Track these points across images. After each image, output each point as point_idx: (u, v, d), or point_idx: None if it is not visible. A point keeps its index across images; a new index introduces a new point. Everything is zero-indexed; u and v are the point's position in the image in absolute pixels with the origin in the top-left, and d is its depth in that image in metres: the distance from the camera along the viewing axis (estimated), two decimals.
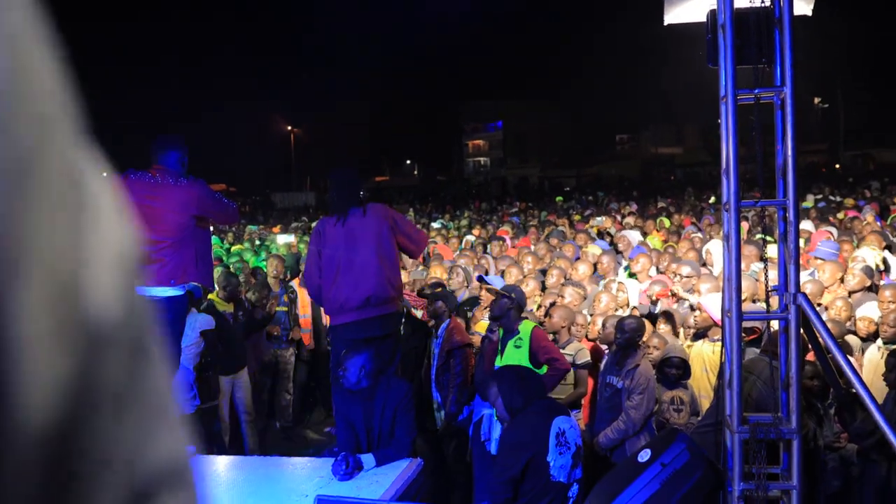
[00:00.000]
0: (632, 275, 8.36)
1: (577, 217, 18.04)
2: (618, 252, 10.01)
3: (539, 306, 7.33)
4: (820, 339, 4.17)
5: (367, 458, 4.67)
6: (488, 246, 11.73)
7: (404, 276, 7.09)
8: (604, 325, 5.99)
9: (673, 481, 3.95)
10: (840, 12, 34.19)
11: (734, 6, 4.06)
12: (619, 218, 15.67)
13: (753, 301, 5.87)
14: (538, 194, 39.67)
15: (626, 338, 5.48)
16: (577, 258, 9.47)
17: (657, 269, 8.69)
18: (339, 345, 5.26)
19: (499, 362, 5.62)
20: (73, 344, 0.36)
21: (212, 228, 5.86)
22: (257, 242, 15.76)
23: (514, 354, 5.59)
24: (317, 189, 50.35)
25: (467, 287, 7.57)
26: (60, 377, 0.35)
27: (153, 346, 0.42)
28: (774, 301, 4.62)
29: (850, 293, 6.69)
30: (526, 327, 5.70)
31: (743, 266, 5.00)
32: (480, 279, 7.01)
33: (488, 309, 6.32)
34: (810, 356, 4.69)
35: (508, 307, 5.74)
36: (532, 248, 10.86)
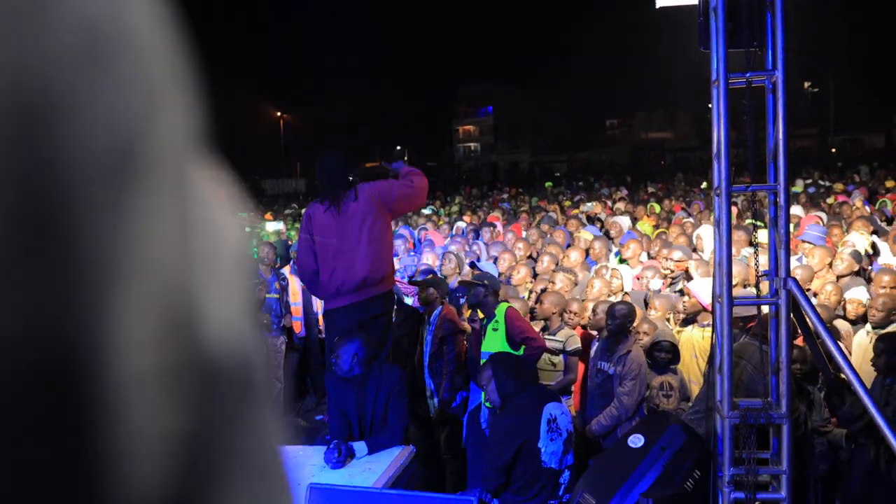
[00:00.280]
0: (622, 260, 8.38)
1: (567, 203, 18.04)
2: (609, 238, 10.02)
3: (530, 292, 7.33)
4: (810, 324, 4.19)
5: (360, 446, 4.67)
6: (480, 232, 11.73)
7: (395, 263, 7.07)
8: (594, 310, 6.00)
9: (674, 463, 3.99)
10: None
11: None
12: (609, 203, 15.67)
13: (745, 286, 5.89)
14: (529, 180, 39.63)
15: (617, 324, 5.49)
16: (569, 245, 9.48)
17: (648, 254, 8.71)
18: (334, 331, 5.25)
19: (483, 348, 5.68)
20: (187, 388, 0.29)
21: None
22: (247, 229, 15.69)
23: (493, 338, 5.67)
24: (307, 176, 50.22)
25: (459, 273, 7.56)
26: (171, 434, 0.28)
27: (266, 389, 0.34)
28: (764, 286, 4.63)
29: (839, 277, 6.72)
30: (500, 310, 5.78)
31: (733, 251, 5.01)
32: (473, 265, 7.02)
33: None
34: (799, 341, 4.71)
35: (485, 294, 5.83)
36: (524, 234, 10.86)
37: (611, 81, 61.46)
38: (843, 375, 4.28)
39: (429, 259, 8.99)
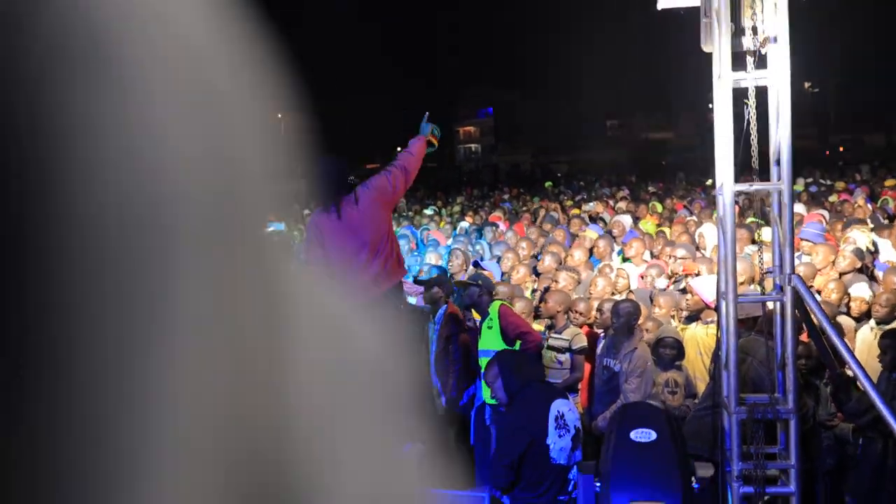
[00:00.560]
0: (626, 259, 8.40)
1: (568, 202, 18.05)
2: (612, 236, 10.04)
3: (534, 291, 7.35)
4: (814, 320, 4.22)
5: None
6: (482, 232, 11.75)
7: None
8: (600, 309, 6.03)
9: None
10: None
11: None
12: (611, 203, 15.69)
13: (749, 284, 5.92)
14: (530, 181, 39.58)
15: (622, 321, 5.52)
16: (570, 244, 9.50)
17: (651, 253, 8.74)
18: None
19: (480, 346, 5.75)
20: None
21: None
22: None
23: (489, 336, 5.72)
24: (307, 177, 50.18)
25: (465, 271, 7.58)
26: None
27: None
28: (768, 284, 4.67)
29: (841, 275, 6.74)
30: (493, 307, 5.83)
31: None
32: (476, 265, 7.05)
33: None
34: (804, 336, 4.74)
35: (479, 294, 5.92)
36: (527, 233, 10.89)
37: (611, 82, 61.33)
38: (848, 371, 4.32)
39: (432, 259, 9.02)
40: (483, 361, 5.75)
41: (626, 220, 10.82)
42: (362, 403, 0.37)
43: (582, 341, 5.96)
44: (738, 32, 4.22)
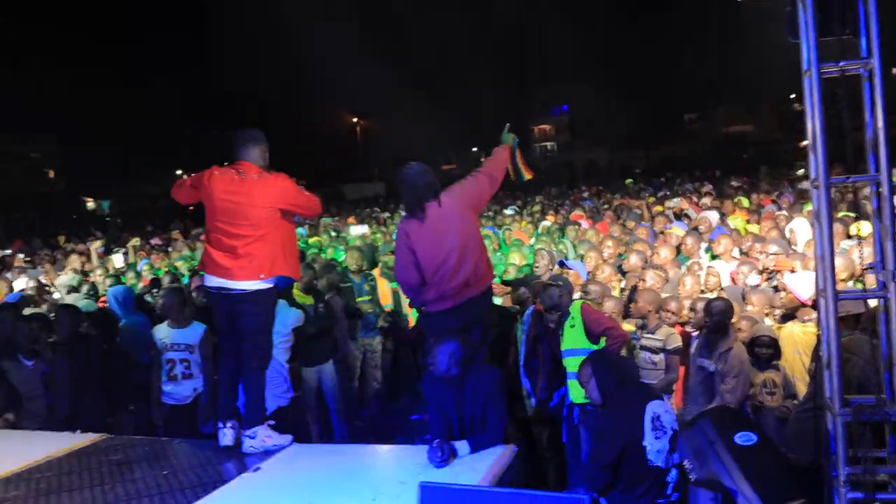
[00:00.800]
0: (714, 256, 8.24)
1: (650, 199, 17.81)
2: (698, 233, 9.85)
3: (622, 290, 7.27)
4: None
5: (462, 445, 4.70)
6: (564, 230, 11.70)
7: None
8: (692, 308, 5.93)
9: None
10: None
11: None
12: (695, 199, 15.40)
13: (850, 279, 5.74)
14: (607, 177, 39.16)
15: (716, 320, 5.42)
16: (653, 241, 9.38)
17: (739, 249, 8.53)
18: (433, 333, 5.31)
19: (563, 346, 5.73)
20: None
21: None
22: (333, 234, 15.99)
23: (572, 335, 5.69)
24: (385, 179, 50.74)
25: (551, 270, 7.56)
26: None
27: None
28: (869, 279, 4.52)
29: None
30: (575, 306, 5.79)
31: None
32: (562, 264, 7.01)
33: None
34: None
35: (560, 295, 5.91)
36: (610, 231, 10.79)
37: (688, 75, 60.21)
38: None
39: (516, 258, 9.03)
40: (568, 362, 5.72)
41: (713, 216, 10.60)
42: None
43: (677, 341, 5.87)
44: (825, 20, 4.10)
